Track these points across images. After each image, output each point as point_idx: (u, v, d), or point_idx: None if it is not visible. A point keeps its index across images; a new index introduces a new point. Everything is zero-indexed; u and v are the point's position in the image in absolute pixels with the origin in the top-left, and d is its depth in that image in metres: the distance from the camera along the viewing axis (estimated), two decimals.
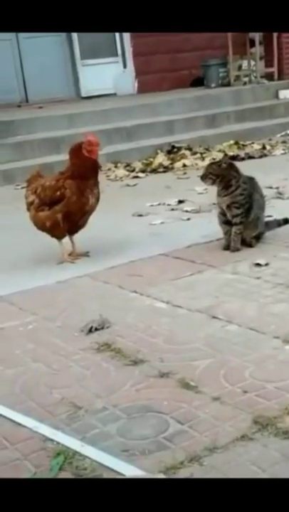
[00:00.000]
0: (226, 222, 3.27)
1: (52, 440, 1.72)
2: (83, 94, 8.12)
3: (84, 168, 3.23)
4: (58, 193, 3.23)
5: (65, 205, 3.22)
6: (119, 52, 8.40)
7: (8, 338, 2.45)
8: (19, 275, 3.19)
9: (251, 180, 3.31)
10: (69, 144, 6.08)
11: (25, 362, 2.22)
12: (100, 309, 2.59)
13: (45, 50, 7.86)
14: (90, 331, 2.42)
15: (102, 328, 2.44)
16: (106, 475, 1.56)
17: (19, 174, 5.60)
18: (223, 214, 3.28)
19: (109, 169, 5.86)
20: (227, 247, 3.25)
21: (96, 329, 2.43)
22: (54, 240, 3.38)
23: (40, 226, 3.33)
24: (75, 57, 8.14)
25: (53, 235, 3.35)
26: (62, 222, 3.25)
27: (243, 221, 3.23)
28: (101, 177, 5.57)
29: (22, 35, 7.66)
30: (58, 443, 1.70)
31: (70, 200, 3.22)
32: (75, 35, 8.00)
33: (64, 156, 5.90)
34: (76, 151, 3.26)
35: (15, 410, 1.88)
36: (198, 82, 8.36)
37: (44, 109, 7.27)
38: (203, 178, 3.29)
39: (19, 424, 1.81)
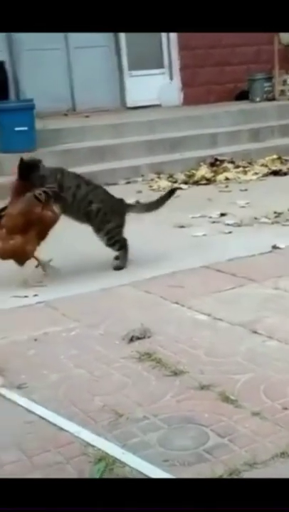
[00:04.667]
0: None
1: (93, 446, 1.76)
2: (129, 105, 8.20)
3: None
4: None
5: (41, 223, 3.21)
6: (166, 63, 8.46)
7: (51, 343, 2.50)
8: (63, 281, 3.24)
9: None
10: (113, 153, 6.22)
11: (69, 368, 2.27)
12: (141, 319, 2.63)
13: (94, 60, 7.97)
14: (132, 339, 2.46)
15: (144, 337, 2.48)
16: None
17: None
18: None
19: (152, 180, 5.91)
20: None
21: (137, 338, 2.47)
22: (101, 247, 3.40)
23: (12, 255, 3.20)
24: (122, 68, 8.24)
25: (25, 260, 3.24)
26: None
27: None
28: (144, 187, 5.67)
29: (72, 44, 7.80)
30: (99, 449, 1.74)
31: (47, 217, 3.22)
32: (123, 46, 8.10)
33: (108, 165, 6.04)
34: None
35: (58, 414, 1.92)
36: (243, 95, 8.36)
37: (90, 118, 7.38)
38: None
39: (62, 429, 1.86)
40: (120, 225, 3.40)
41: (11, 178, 3.46)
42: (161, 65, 8.44)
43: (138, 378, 2.15)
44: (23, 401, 2.03)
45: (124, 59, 8.20)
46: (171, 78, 8.47)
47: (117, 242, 3.39)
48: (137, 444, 1.76)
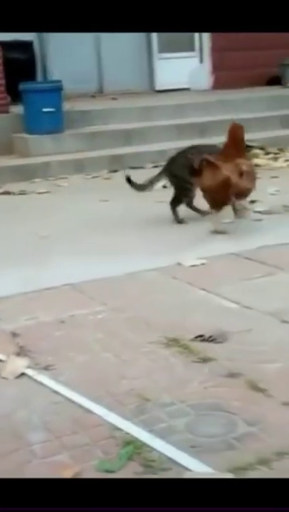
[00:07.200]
0: None
1: (120, 429, 1.74)
2: (157, 88, 8.14)
3: None
4: None
5: None
6: (197, 46, 8.36)
7: (79, 325, 2.49)
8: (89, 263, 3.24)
9: None
10: (141, 136, 6.17)
11: (96, 351, 2.26)
12: (167, 304, 2.61)
13: (124, 41, 7.91)
14: None
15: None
16: (174, 469, 1.57)
17: (89, 164, 5.68)
18: None
19: None
20: None
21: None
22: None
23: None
24: (152, 51, 8.17)
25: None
26: None
27: None
28: None
29: None
30: (127, 433, 1.73)
31: None
32: None
33: (135, 149, 5.99)
34: None
35: (85, 397, 1.92)
36: (275, 80, 8.25)
37: (118, 100, 7.34)
38: None
39: (89, 411, 1.85)
40: None
41: None
42: (191, 48, 8.35)
43: (165, 363, 2.13)
44: (50, 382, 2.02)
45: (154, 41, 8.12)
46: (201, 61, 8.38)
47: None
48: (164, 429, 1.75)
